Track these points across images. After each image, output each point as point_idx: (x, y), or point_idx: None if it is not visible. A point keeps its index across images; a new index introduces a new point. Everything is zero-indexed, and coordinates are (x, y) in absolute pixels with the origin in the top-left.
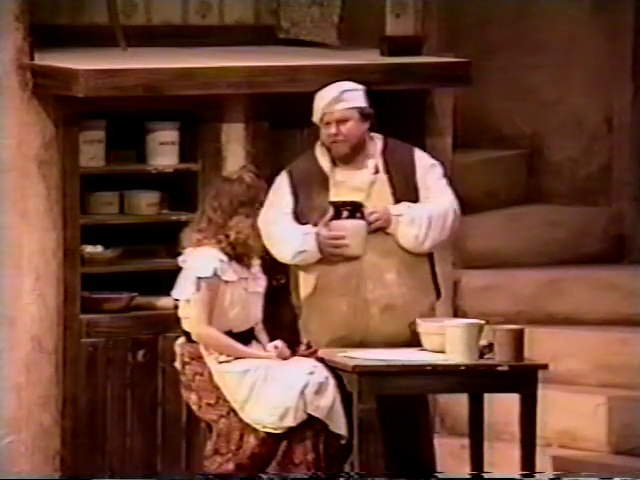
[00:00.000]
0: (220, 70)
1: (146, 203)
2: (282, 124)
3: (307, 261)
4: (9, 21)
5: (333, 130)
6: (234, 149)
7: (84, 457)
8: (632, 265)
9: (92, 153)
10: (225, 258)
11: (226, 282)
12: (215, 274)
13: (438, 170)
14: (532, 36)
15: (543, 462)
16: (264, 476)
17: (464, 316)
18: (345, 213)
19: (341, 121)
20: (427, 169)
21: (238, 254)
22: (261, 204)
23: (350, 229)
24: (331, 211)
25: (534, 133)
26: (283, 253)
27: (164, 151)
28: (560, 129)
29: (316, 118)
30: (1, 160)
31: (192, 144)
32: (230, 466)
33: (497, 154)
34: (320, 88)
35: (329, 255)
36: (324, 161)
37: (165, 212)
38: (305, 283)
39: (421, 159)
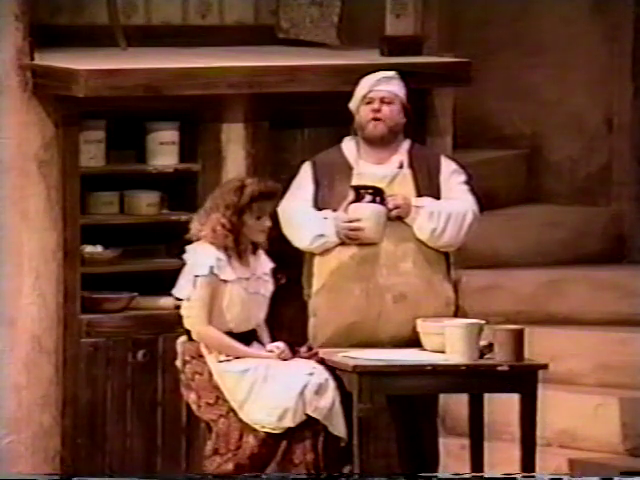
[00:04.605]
0: (220, 70)
1: (146, 203)
2: (282, 124)
3: (325, 247)
4: (9, 21)
5: (376, 106)
6: (234, 149)
7: (84, 457)
8: (632, 265)
9: (92, 153)
10: (223, 256)
11: (225, 281)
12: (212, 272)
13: (462, 177)
14: (532, 36)
15: (543, 462)
16: (264, 476)
17: (464, 316)
18: (365, 197)
19: (385, 102)
20: (451, 173)
21: (228, 249)
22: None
23: (368, 213)
24: (351, 195)
25: (534, 133)
26: (301, 238)
27: (164, 151)
28: (560, 129)
29: (358, 96)
30: (1, 160)
31: (192, 144)
32: (229, 466)
33: (497, 154)
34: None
35: (345, 239)
36: (350, 153)
37: (165, 212)
38: (320, 270)
39: (447, 163)
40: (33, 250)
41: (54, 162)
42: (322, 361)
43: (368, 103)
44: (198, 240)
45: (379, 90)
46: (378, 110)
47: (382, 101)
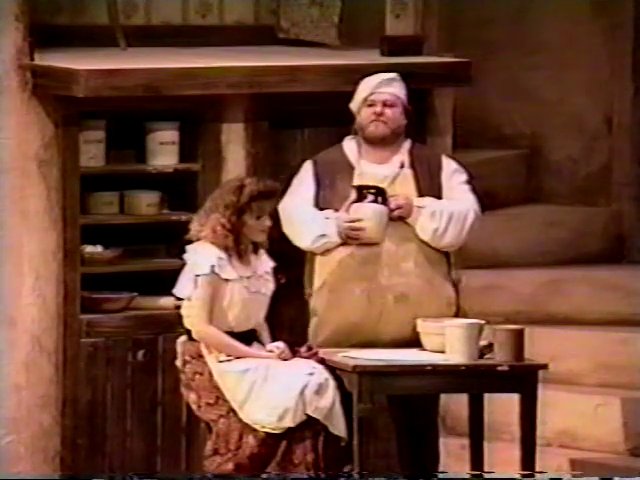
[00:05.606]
0: (220, 70)
1: (146, 203)
2: (282, 124)
3: (326, 247)
4: (9, 21)
5: (378, 109)
6: (234, 149)
7: (84, 457)
8: (632, 265)
9: (92, 153)
10: (224, 255)
11: (226, 280)
12: (213, 271)
13: (463, 176)
14: (532, 36)
15: (543, 462)
16: (264, 476)
17: (464, 316)
18: (367, 197)
19: (387, 104)
20: (452, 172)
21: (229, 249)
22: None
23: (370, 213)
24: (353, 195)
25: (534, 133)
26: (303, 238)
27: (164, 151)
28: (560, 129)
29: (359, 99)
30: (1, 160)
31: (192, 144)
32: (229, 466)
33: (497, 154)
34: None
35: (347, 239)
36: (351, 152)
37: (165, 212)
38: (321, 269)
39: (448, 162)
40: (33, 250)
41: (54, 162)
42: (322, 361)
43: (370, 105)
44: (198, 240)
45: (381, 93)
46: (380, 113)
47: (384, 104)
